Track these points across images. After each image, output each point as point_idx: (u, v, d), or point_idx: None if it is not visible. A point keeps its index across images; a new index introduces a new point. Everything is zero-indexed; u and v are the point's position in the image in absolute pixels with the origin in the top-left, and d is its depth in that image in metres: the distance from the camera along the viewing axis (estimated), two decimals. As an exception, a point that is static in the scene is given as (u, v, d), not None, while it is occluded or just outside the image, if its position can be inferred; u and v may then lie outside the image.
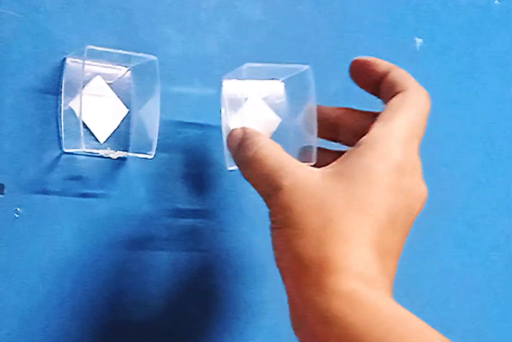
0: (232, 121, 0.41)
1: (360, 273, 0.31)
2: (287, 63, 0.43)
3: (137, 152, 0.40)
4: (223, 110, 0.41)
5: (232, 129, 0.38)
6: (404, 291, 0.51)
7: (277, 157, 0.35)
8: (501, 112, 0.57)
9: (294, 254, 0.32)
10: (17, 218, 0.38)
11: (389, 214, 0.33)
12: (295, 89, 0.42)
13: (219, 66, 0.44)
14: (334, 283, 0.31)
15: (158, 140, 0.39)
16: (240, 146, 0.36)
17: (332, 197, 0.33)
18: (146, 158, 0.39)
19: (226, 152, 0.40)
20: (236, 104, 0.41)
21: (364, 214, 0.32)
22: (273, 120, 0.43)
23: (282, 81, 0.43)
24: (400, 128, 0.35)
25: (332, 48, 0.49)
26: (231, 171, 0.41)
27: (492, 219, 0.55)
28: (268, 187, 0.34)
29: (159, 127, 0.40)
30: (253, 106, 0.42)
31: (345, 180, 0.33)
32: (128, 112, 0.41)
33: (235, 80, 0.41)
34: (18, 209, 0.38)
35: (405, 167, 0.34)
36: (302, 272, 0.32)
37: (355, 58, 0.40)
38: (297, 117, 0.42)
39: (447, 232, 0.54)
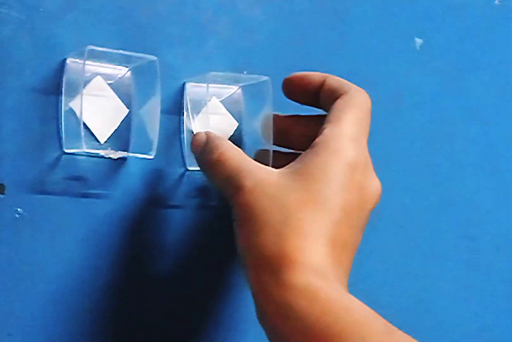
0: (193, 123, 0.42)
1: (315, 267, 0.33)
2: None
3: (137, 153, 0.40)
4: (185, 113, 0.43)
5: (195, 134, 0.39)
6: (405, 289, 0.51)
7: (239, 159, 0.37)
8: (501, 112, 0.57)
9: (255, 250, 0.34)
10: (17, 218, 0.38)
11: (344, 209, 0.35)
12: (253, 96, 0.44)
13: (220, 66, 0.44)
14: (291, 277, 0.33)
15: (158, 140, 0.39)
16: (204, 150, 0.38)
17: (291, 194, 0.35)
18: (146, 158, 0.39)
19: (186, 152, 0.42)
20: (197, 107, 0.43)
21: (321, 210, 0.34)
22: (231, 124, 0.44)
23: (240, 87, 0.45)
24: (349, 127, 0.37)
25: (332, 48, 0.49)
26: (190, 170, 0.42)
27: (493, 218, 0.55)
28: (230, 187, 0.36)
29: (160, 128, 0.40)
30: (213, 109, 0.44)
31: (302, 178, 0.35)
32: (129, 112, 0.41)
33: (198, 84, 0.43)
34: (18, 209, 0.38)
35: (358, 164, 0.36)
36: (262, 268, 0.33)
37: (286, 77, 0.42)
38: (253, 122, 0.44)
39: (447, 232, 0.54)
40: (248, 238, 0.34)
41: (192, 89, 0.43)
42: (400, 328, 0.32)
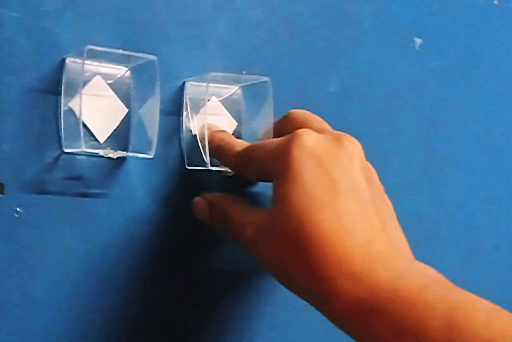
0: (192, 123, 0.43)
1: None
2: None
3: (136, 152, 0.40)
4: (184, 112, 0.43)
5: (195, 201, 0.41)
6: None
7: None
8: (501, 112, 0.57)
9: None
10: (17, 218, 0.38)
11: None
12: (253, 96, 0.44)
13: (219, 66, 0.44)
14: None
15: (157, 140, 0.39)
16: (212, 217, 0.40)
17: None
18: (146, 158, 0.39)
19: (186, 152, 0.42)
20: (197, 106, 0.43)
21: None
22: (231, 124, 0.45)
23: (240, 87, 0.45)
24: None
25: (331, 48, 0.49)
26: (190, 170, 0.43)
27: (493, 218, 0.55)
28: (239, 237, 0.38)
29: (159, 127, 0.40)
30: (213, 109, 0.44)
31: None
32: (128, 112, 0.41)
33: (198, 83, 0.43)
34: (18, 209, 0.38)
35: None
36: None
37: None
38: (253, 123, 0.44)
39: (448, 231, 0.54)
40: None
41: (192, 89, 0.43)
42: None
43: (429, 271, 0.33)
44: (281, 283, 0.35)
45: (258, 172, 0.38)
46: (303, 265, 0.33)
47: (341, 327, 0.33)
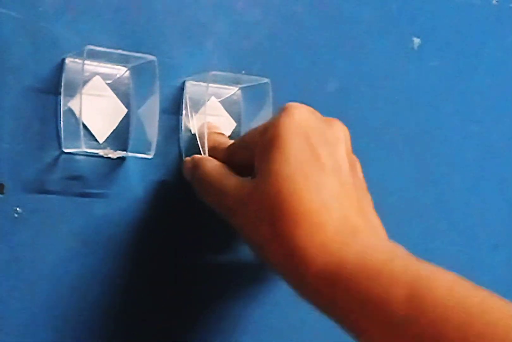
0: (191, 122, 0.43)
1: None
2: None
3: (136, 152, 0.40)
4: (184, 112, 0.43)
5: (184, 160, 0.41)
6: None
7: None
8: (501, 112, 0.57)
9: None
10: (16, 217, 0.38)
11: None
12: (253, 98, 0.44)
13: (219, 66, 0.44)
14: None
15: (157, 140, 0.39)
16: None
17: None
18: (145, 158, 0.39)
19: (185, 151, 0.43)
20: (196, 106, 0.43)
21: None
22: (229, 124, 0.45)
23: (240, 88, 0.45)
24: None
25: (330, 48, 0.49)
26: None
27: (492, 218, 0.56)
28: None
29: (158, 127, 0.40)
30: (212, 109, 0.44)
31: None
32: (127, 112, 0.41)
33: (198, 83, 0.43)
34: (17, 209, 0.38)
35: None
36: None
37: None
38: (252, 124, 0.44)
39: (447, 231, 0.54)
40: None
41: (192, 88, 0.43)
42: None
43: (399, 247, 0.34)
44: (256, 254, 0.35)
45: (247, 156, 0.38)
46: (277, 233, 0.33)
47: (308, 298, 0.33)
